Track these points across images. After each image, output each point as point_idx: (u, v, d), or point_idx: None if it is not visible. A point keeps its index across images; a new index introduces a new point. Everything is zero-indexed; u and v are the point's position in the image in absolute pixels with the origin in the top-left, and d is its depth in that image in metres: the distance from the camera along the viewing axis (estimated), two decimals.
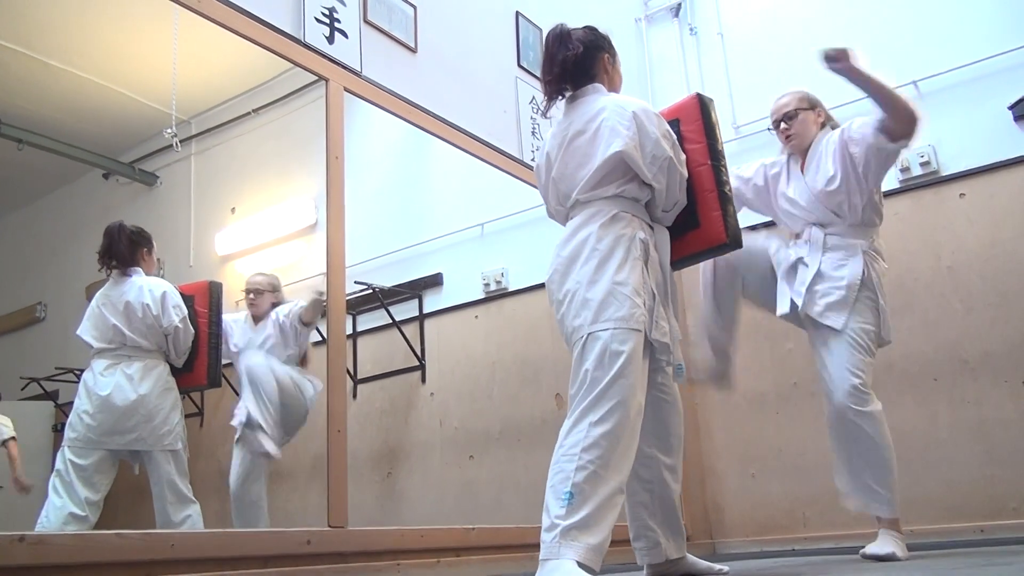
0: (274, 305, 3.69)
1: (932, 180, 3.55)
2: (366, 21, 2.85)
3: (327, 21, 2.66)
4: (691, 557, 2.12)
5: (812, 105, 2.75)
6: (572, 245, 1.94)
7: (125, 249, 3.18)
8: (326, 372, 2.44)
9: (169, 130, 4.01)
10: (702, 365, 2.81)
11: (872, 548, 2.40)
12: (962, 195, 3.49)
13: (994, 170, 3.43)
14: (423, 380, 4.25)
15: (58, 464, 2.98)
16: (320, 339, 3.39)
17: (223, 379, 3.52)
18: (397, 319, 4.19)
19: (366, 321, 4.34)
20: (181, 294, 3.25)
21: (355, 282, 3.82)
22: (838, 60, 2.38)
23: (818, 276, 2.58)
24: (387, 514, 4.09)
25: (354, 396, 4.37)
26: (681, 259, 2.10)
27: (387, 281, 4.28)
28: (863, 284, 2.53)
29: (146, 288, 3.16)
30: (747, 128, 4.22)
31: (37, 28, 3.79)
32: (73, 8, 3.79)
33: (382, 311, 4.19)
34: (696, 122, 2.09)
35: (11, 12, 3.70)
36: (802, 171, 2.72)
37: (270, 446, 3.33)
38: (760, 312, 3.96)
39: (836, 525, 3.52)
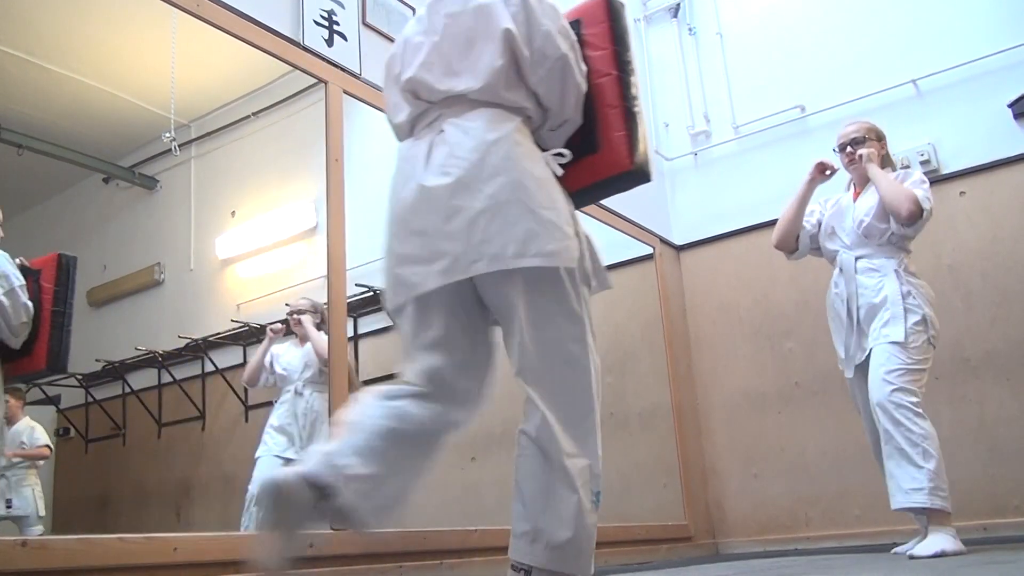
0: (317, 327, 3.71)
1: (932, 179, 3.52)
2: (365, 23, 2.84)
3: (326, 24, 2.66)
4: None
5: (878, 137, 2.84)
6: (475, 149, 1.48)
7: None
8: (328, 375, 2.45)
9: (168, 134, 4.01)
10: None
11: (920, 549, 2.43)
12: (962, 193, 3.49)
13: (994, 168, 3.43)
14: None
15: None
16: None
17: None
18: None
19: (367, 323, 4.33)
20: (25, 267, 2.87)
21: (356, 284, 3.82)
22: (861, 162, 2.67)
23: (869, 312, 2.66)
24: None
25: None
26: (576, 192, 1.61)
27: None
28: (904, 296, 2.60)
29: None
30: (746, 128, 4.22)
31: (37, 33, 3.79)
32: (72, 13, 3.79)
33: (383, 313, 4.19)
34: (602, 24, 1.67)
35: (11, 17, 3.70)
36: (855, 199, 2.81)
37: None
38: (760, 311, 3.97)
39: (838, 524, 3.52)
